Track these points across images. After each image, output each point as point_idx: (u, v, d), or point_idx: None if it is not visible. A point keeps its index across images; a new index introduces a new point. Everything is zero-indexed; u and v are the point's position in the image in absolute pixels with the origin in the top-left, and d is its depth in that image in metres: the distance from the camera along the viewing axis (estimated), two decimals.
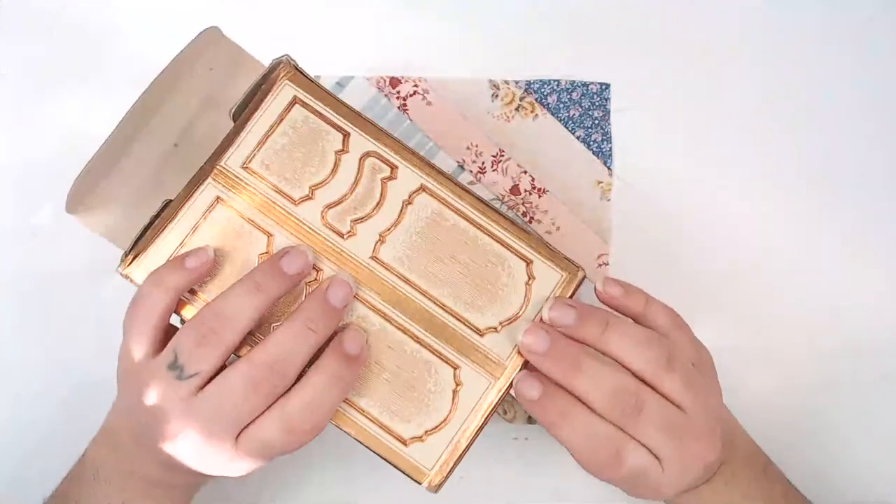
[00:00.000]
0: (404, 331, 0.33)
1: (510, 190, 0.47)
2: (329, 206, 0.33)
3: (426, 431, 0.32)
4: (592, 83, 0.47)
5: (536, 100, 0.47)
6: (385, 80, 0.47)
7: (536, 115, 0.47)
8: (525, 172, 0.47)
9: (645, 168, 0.47)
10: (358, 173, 0.34)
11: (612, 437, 0.31)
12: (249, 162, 0.33)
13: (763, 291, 0.46)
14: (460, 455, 0.32)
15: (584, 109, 0.47)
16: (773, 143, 0.47)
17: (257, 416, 0.30)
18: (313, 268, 0.33)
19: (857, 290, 0.46)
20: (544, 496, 0.44)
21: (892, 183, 0.47)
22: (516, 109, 0.47)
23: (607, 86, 0.47)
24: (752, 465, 0.37)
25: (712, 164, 0.47)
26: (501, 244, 0.34)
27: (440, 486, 0.32)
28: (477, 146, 0.47)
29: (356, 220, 0.33)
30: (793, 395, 0.45)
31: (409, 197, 0.34)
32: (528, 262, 0.33)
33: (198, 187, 0.33)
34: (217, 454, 0.31)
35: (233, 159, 0.33)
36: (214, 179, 0.33)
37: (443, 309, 0.33)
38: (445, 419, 0.32)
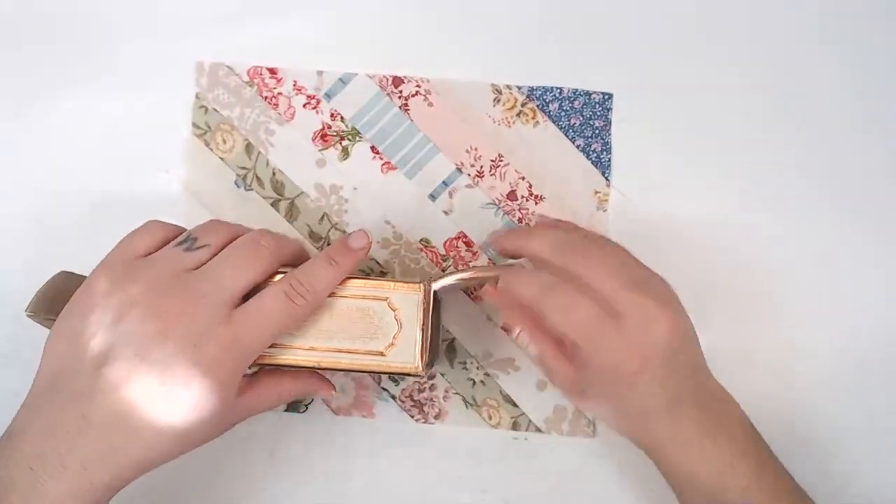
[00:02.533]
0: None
1: (507, 195, 0.47)
2: None
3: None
4: (595, 92, 0.47)
5: (538, 106, 0.47)
6: (388, 79, 0.47)
7: (537, 121, 0.47)
8: (523, 178, 0.47)
9: (643, 180, 0.47)
10: None
11: (560, 285, 0.35)
12: None
13: (762, 295, 0.46)
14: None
15: (585, 119, 0.47)
16: (775, 159, 0.47)
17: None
18: None
19: (857, 290, 0.46)
20: (543, 496, 0.44)
21: (891, 183, 0.47)
22: (517, 115, 0.47)
23: (610, 96, 0.47)
24: (735, 422, 0.37)
25: (711, 178, 0.47)
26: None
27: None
28: (476, 149, 0.47)
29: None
30: (793, 395, 0.45)
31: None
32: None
33: None
34: (209, 336, 0.32)
35: None
36: None
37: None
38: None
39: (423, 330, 0.37)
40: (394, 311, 0.37)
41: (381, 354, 0.37)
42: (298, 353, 0.37)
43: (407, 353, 0.37)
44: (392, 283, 0.37)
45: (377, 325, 0.37)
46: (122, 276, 0.33)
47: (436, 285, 0.38)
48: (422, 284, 0.37)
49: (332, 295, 0.37)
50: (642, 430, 0.37)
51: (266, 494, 0.44)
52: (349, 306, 0.37)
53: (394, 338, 0.37)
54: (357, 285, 0.37)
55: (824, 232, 0.46)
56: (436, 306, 0.39)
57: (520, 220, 0.47)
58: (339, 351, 0.37)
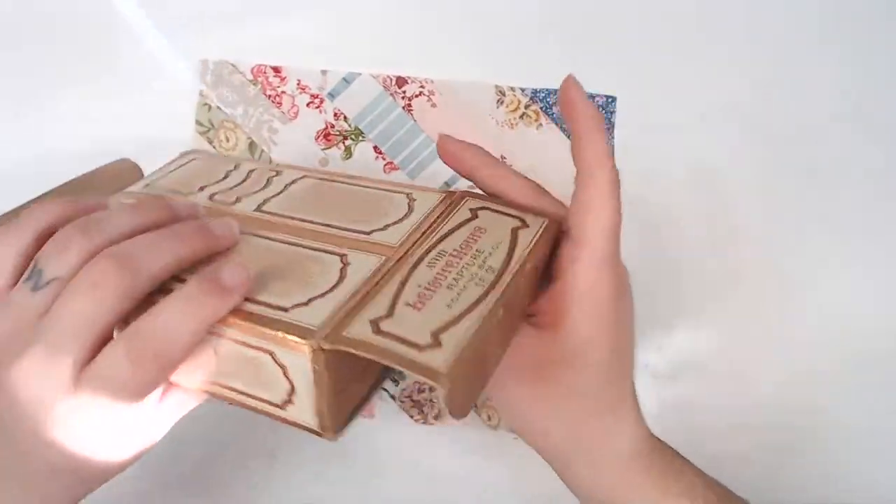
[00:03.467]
0: (287, 242, 0.31)
1: None
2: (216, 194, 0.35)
3: (310, 299, 0.27)
4: (598, 95, 0.47)
5: (541, 109, 0.47)
6: (391, 79, 0.47)
7: (540, 123, 0.47)
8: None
9: (645, 184, 0.47)
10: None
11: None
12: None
13: (762, 295, 0.46)
14: (358, 314, 0.26)
15: None
16: (777, 161, 0.47)
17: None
18: None
19: (857, 291, 0.46)
20: (542, 498, 0.45)
21: (891, 184, 0.47)
22: (520, 117, 0.47)
23: (613, 99, 0.47)
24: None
25: (714, 183, 0.47)
26: (384, 189, 0.35)
27: (334, 342, 0.25)
28: None
29: (241, 196, 0.35)
30: (792, 396, 0.45)
31: (293, 180, 0.36)
32: (412, 198, 0.34)
33: None
34: (53, 394, 0.25)
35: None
36: None
37: (329, 227, 0.32)
38: (333, 287, 0.28)
39: (321, 396, 0.26)
40: (281, 367, 0.27)
41: (279, 407, 0.28)
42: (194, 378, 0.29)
43: (306, 415, 0.27)
44: (278, 334, 0.26)
45: (267, 377, 0.27)
46: None
47: (327, 344, 0.25)
48: (308, 346, 0.25)
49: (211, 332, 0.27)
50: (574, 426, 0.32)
51: (266, 495, 0.45)
52: (233, 350, 0.27)
53: (288, 395, 0.27)
54: (237, 327, 0.27)
55: (830, 234, 0.47)
56: (353, 361, 0.26)
57: None
58: (234, 391, 0.29)
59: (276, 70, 0.47)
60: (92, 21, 0.48)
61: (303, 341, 0.25)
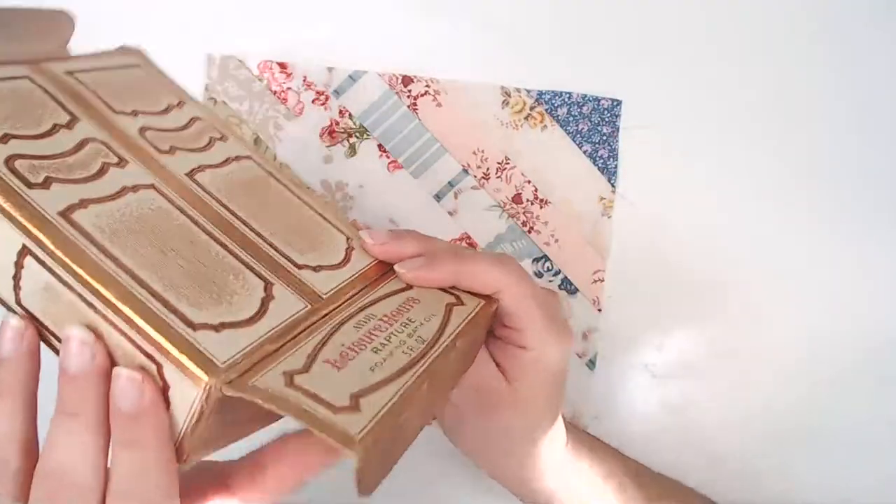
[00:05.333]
0: (213, 238, 0.28)
1: (512, 198, 0.47)
2: (150, 129, 0.31)
3: (222, 323, 0.24)
4: (604, 98, 0.47)
5: (546, 110, 0.47)
6: (397, 78, 0.47)
7: (545, 125, 0.47)
8: (529, 182, 0.47)
9: (649, 187, 0.47)
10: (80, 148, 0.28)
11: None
12: None
13: (762, 296, 0.46)
14: (271, 361, 0.24)
15: (593, 124, 0.47)
16: (782, 167, 0.47)
17: None
18: (115, 154, 0.28)
19: (856, 291, 0.47)
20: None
21: (891, 185, 0.47)
22: (525, 118, 0.47)
23: (619, 102, 0.47)
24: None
25: (718, 187, 0.47)
26: (323, 218, 0.33)
27: (238, 390, 0.22)
28: (483, 151, 0.47)
29: (177, 147, 0.31)
30: (792, 396, 0.46)
31: (237, 156, 0.33)
32: (348, 237, 0.33)
33: None
34: None
35: None
36: None
37: (261, 238, 0.29)
38: (250, 320, 0.25)
39: (190, 431, 0.23)
40: (163, 382, 0.23)
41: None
42: None
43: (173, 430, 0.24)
44: (181, 357, 0.22)
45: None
46: None
47: (230, 391, 0.22)
48: (207, 383, 0.22)
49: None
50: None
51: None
52: (119, 342, 0.23)
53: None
54: (133, 327, 0.23)
55: (830, 234, 0.47)
56: (246, 407, 0.23)
57: (523, 224, 0.47)
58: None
59: (283, 66, 0.47)
60: (97, 12, 0.48)
61: (202, 376, 0.22)
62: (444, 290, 0.32)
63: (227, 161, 0.32)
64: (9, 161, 0.25)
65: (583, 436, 0.41)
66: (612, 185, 0.47)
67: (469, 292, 0.33)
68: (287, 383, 0.23)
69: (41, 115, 0.28)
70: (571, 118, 0.47)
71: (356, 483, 0.22)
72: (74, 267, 0.23)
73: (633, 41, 0.48)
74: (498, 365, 0.35)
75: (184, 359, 0.22)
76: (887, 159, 0.47)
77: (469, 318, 0.31)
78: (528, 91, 0.47)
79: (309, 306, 0.27)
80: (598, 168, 0.47)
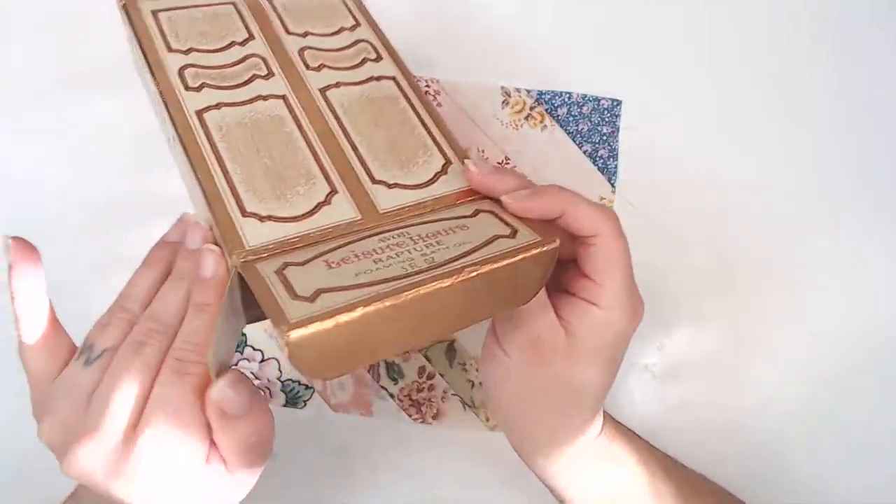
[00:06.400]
0: (309, 146, 0.32)
1: None
2: (310, 48, 0.36)
3: (270, 216, 0.29)
4: (604, 98, 0.47)
5: (546, 110, 0.47)
6: None
7: (545, 125, 0.47)
8: None
9: (648, 187, 0.47)
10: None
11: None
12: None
13: (762, 296, 0.46)
14: (289, 252, 0.28)
15: (593, 124, 0.47)
16: (780, 168, 0.47)
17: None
18: (266, 67, 0.34)
19: (856, 291, 0.47)
20: (538, 497, 0.45)
21: (891, 185, 0.47)
22: (525, 118, 0.47)
23: (619, 102, 0.47)
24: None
25: (718, 187, 0.47)
26: (433, 140, 0.34)
27: (247, 264, 0.27)
28: (483, 151, 0.47)
29: (326, 65, 0.35)
30: (792, 396, 0.46)
31: (379, 76, 0.36)
32: (448, 162, 0.33)
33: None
34: (113, 468, 0.27)
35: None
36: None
37: (354, 150, 0.32)
38: (297, 218, 0.29)
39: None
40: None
41: None
42: None
43: None
44: (216, 227, 0.29)
45: None
46: (39, 421, 0.29)
47: (239, 268, 0.27)
48: (229, 259, 0.28)
49: None
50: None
51: (266, 495, 0.45)
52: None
53: None
54: (207, 205, 0.29)
55: (830, 234, 0.47)
56: (240, 295, 0.28)
57: None
58: None
59: None
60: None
61: (228, 252, 0.28)
62: (506, 223, 0.30)
63: (368, 80, 0.35)
64: (181, 69, 0.33)
65: (619, 424, 0.38)
66: (612, 185, 0.47)
67: (565, 231, 0.31)
68: (278, 270, 0.26)
69: (225, 35, 0.35)
70: (571, 118, 0.47)
71: (293, 364, 0.24)
72: (189, 152, 0.30)
73: (633, 41, 0.48)
74: (560, 317, 0.33)
75: (221, 235, 0.28)
76: (887, 159, 0.47)
77: (510, 250, 0.29)
78: (528, 91, 0.47)
79: (361, 217, 0.30)
80: (598, 168, 0.47)
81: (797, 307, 0.46)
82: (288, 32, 0.36)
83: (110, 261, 0.44)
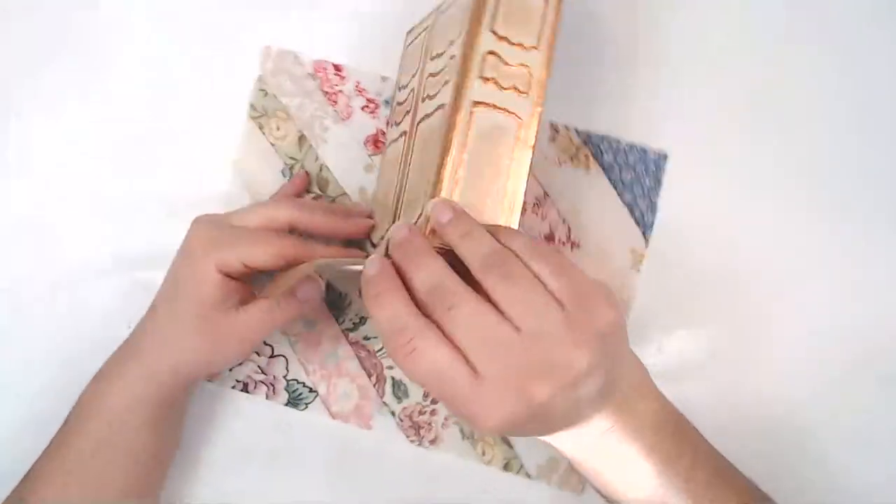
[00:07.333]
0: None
1: (545, 236, 0.46)
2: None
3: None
4: (651, 150, 0.47)
5: (592, 153, 0.47)
6: None
7: (589, 168, 0.47)
8: (563, 222, 0.46)
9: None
10: None
11: (411, 326, 0.30)
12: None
13: (762, 296, 0.47)
14: None
15: (636, 175, 0.47)
16: (779, 169, 0.47)
17: None
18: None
19: (856, 292, 0.47)
20: None
21: (891, 185, 0.47)
22: (570, 158, 0.47)
23: (665, 157, 0.47)
24: (653, 422, 0.34)
25: (718, 187, 0.47)
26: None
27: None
28: None
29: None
30: (792, 396, 0.46)
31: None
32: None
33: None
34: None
35: None
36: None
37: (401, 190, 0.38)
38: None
39: None
40: None
41: None
42: None
43: None
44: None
45: None
46: None
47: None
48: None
49: None
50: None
51: (266, 495, 0.45)
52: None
53: None
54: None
55: (830, 234, 0.47)
56: None
57: None
58: None
59: (338, 68, 0.47)
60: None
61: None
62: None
63: (435, 111, 0.36)
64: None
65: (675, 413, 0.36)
66: (646, 239, 0.46)
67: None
68: None
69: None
70: (616, 166, 0.47)
71: None
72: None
73: (685, 97, 0.47)
74: None
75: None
76: (887, 159, 0.47)
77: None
78: (578, 131, 0.47)
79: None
80: (636, 220, 0.46)
81: (797, 307, 0.46)
82: (430, 58, 0.38)
83: (134, 256, 0.44)
